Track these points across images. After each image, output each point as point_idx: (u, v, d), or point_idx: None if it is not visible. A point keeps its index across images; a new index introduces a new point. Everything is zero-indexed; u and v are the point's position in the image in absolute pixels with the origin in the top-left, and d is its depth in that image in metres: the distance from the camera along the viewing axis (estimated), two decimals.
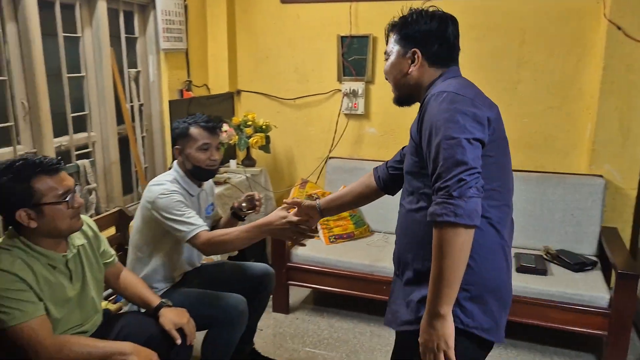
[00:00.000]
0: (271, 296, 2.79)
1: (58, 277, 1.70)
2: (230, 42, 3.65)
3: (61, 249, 1.72)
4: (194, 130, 2.18)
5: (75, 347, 1.64)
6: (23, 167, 1.61)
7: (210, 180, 2.41)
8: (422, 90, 1.50)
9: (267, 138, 3.46)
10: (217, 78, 3.69)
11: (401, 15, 1.52)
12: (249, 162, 3.52)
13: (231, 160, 3.47)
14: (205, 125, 2.20)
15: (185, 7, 3.34)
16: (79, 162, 2.58)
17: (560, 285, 2.64)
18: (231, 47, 3.68)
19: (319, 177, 3.67)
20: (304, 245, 2.91)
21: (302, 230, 1.91)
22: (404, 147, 1.68)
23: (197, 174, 2.22)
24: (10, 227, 1.67)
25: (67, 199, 1.64)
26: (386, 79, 1.59)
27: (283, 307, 3.12)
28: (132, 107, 3.04)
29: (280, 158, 3.82)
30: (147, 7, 3.12)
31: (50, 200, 1.61)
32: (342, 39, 3.48)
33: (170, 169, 2.26)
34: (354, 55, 3.51)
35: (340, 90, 3.56)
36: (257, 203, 2.33)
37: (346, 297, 3.06)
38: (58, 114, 2.55)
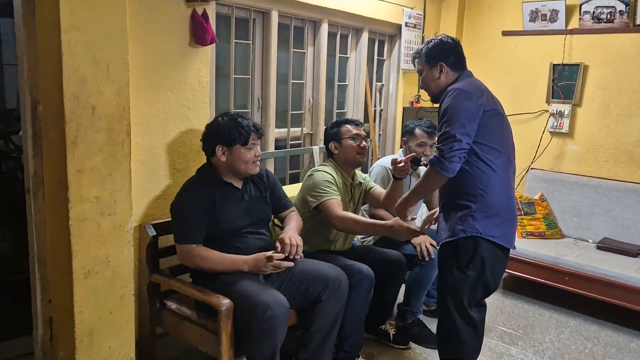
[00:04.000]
0: None
1: (346, 194, 2.70)
2: None
3: (351, 177, 2.77)
4: (417, 131, 3.01)
5: (354, 220, 2.54)
6: (339, 120, 2.79)
7: None
8: (446, 88, 2.18)
9: None
10: None
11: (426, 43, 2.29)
12: None
13: None
14: (425, 129, 3.02)
15: (423, 37, 4.24)
16: (314, 147, 3.59)
17: None
18: None
19: (518, 184, 4.20)
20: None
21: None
22: None
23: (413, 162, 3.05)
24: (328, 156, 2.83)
25: (354, 139, 2.69)
26: (422, 88, 2.36)
27: None
28: (374, 111, 4.04)
29: None
30: (394, 36, 4.11)
31: (345, 137, 2.69)
32: (554, 66, 3.99)
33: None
34: (563, 81, 3.99)
35: (547, 111, 4.07)
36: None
37: (531, 283, 3.55)
38: (328, 110, 3.65)
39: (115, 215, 2.17)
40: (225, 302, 2.11)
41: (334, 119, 3.66)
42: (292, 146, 3.40)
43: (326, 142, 2.79)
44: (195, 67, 2.58)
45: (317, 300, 2.33)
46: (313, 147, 3.51)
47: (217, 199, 2.30)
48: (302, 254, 2.31)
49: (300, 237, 2.33)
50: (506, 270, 3.54)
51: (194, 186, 2.32)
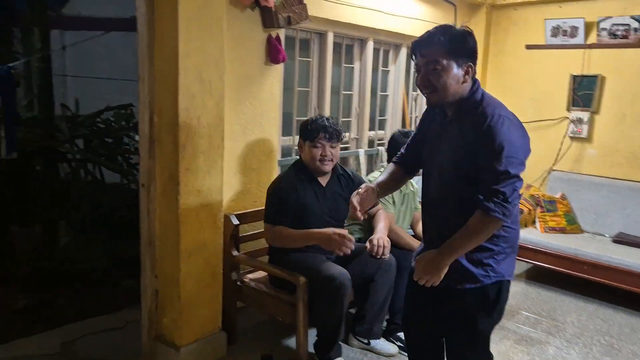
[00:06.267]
0: None
1: (399, 200, 3.09)
2: (481, 77, 4.86)
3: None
4: None
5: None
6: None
7: None
8: (459, 95, 1.78)
9: None
10: None
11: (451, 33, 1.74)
12: None
13: None
14: None
15: None
16: (380, 147, 4.09)
17: None
18: (482, 80, 4.88)
19: (541, 184, 4.60)
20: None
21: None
22: (409, 144, 2.10)
23: None
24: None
25: None
26: (429, 85, 1.76)
27: None
28: (410, 117, 4.48)
29: None
30: None
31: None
32: (574, 77, 4.39)
33: None
34: (582, 91, 4.38)
35: (567, 118, 4.46)
36: None
37: (552, 273, 3.95)
38: (371, 117, 4.10)
39: (211, 206, 2.64)
40: (302, 278, 2.56)
41: (377, 125, 4.13)
42: (341, 149, 3.83)
43: (389, 150, 3.06)
44: (269, 82, 3.04)
45: (371, 279, 2.73)
46: (359, 150, 3.96)
47: (300, 191, 2.64)
48: (388, 254, 2.60)
49: (388, 239, 2.61)
50: (530, 261, 4.00)
51: (283, 177, 2.71)
